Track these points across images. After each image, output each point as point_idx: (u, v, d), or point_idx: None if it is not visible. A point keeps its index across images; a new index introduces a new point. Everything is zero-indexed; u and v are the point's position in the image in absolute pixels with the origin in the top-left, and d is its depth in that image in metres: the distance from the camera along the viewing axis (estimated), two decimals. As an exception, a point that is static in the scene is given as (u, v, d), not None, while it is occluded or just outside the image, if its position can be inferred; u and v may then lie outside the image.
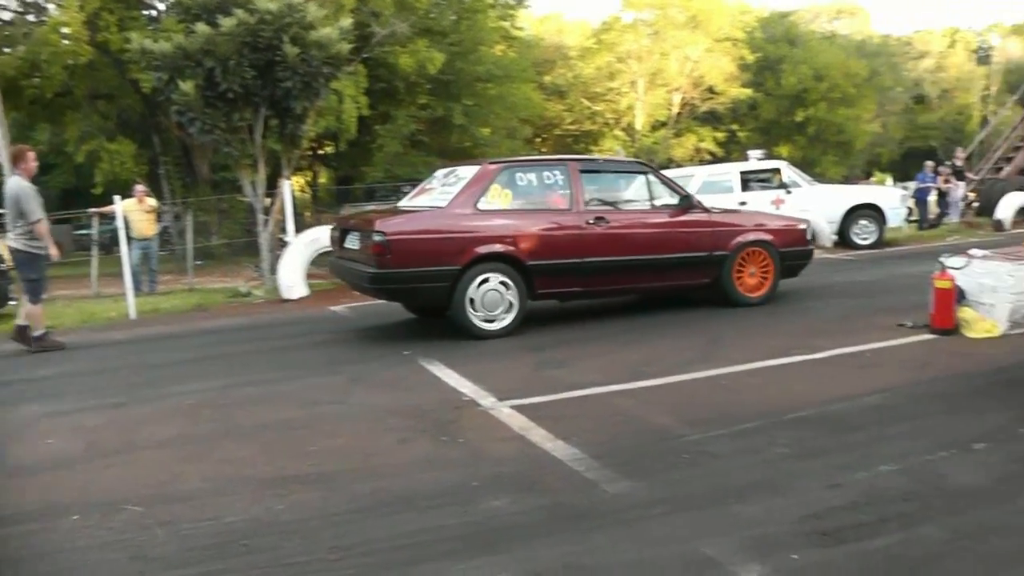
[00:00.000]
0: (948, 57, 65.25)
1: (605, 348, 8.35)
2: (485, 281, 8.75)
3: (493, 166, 9.23)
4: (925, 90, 60.42)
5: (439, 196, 9.31)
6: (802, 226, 10.70)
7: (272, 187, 15.21)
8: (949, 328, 8.12)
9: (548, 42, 46.24)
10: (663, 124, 44.22)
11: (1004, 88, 57.98)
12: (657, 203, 9.82)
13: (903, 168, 43.61)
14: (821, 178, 28.31)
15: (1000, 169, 24.87)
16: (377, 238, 8.44)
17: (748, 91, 43.69)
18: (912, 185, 23.59)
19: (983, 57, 66.36)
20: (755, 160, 18.85)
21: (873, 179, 40.44)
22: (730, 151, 41.05)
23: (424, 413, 6.22)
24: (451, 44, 27.84)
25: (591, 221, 9.20)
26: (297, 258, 13.59)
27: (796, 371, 7.11)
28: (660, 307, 10.29)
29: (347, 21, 14.90)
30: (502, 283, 8.82)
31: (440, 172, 10.22)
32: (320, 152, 32.89)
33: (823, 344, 7.86)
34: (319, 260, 13.79)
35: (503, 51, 32.56)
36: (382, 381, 7.40)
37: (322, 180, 35.92)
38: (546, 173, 9.35)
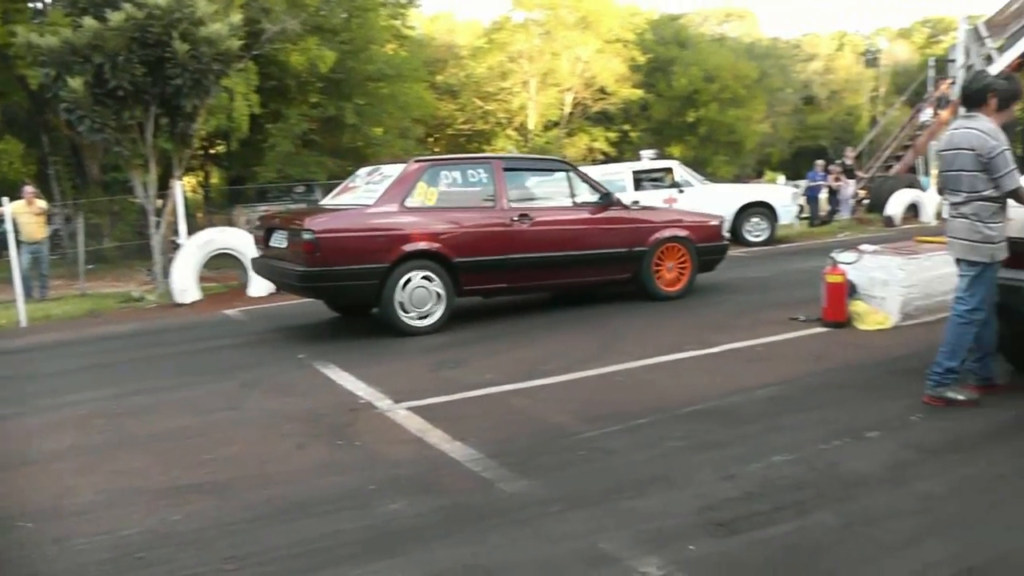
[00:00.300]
0: (836, 60, 67.35)
1: (502, 347, 8.38)
2: (413, 278, 8.90)
3: (419, 164, 9.41)
4: (814, 91, 62.22)
5: (364, 194, 9.43)
6: (717, 222, 11.13)
7: (164, 188, 14.90)
8: (841, 321, 8.36)
9: (439, 41, 46.14)
10: (556, 124, 44.54)
11: (892, 90, 60.13)
12: (578, 200, 10.11)
13: (794, 167, 44.81)
14: (713, 177, 28.88)
15: (890, 167, 25.76)
16: (307, 236, 8.50)
17: (639, 92, 44.32)
18: (803, 183, 24.30)
19: (871, 60, 68.67)
20: (647, 160, 19.17)
21: (764, 178, 41.46)
22: (623, 151, 41.55)
23: (320, 417, 6.16)
24: (342, 42, 27.62)
25: (515, 218, 9.44)
26: (190, 261, 13.31)
27: (691, 366, 7.24)
28: (557, 305, 10.38)
29: (237, 17, 14.67)
30: (429, 280, 8.97)
31: (363, 170, 10.38)
32: (212, 152, 32.28)
33: (717, 339, 8.02)
34: (212, 263, 13.60)
35: (394, 50, 32.39)
36: (277, 386, 7.30)
37: (214, 180, 35.22)
38: (471, 171, 9.57)
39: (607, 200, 10.17)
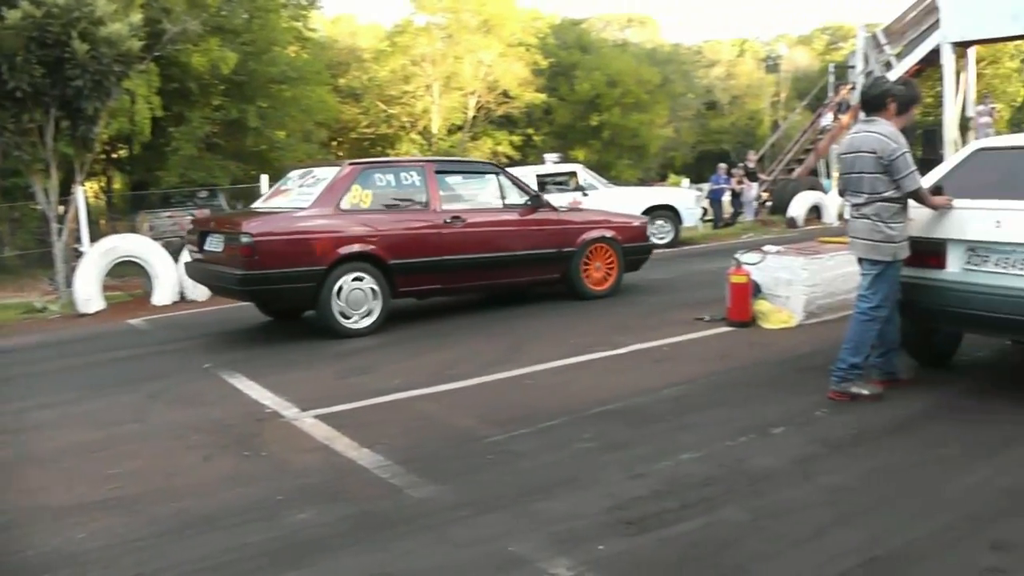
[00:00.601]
0: (737, 65, 68.74)
1: (408, 352, 8.33)
2: (350, 280, 8.97)
3: (353, 167, 9.56)
4: (716, 96, 63.40)
5: (299, 197, 9.51)
6: (642, 223, 11.59)
7: (66, 194, 14.42)
8: (746, 321, 8.51)
9: (342, 44, 45.75)
10: (459, 128, 44.57)
11: (793, 95, 61.52)
12: (508, 202, 10.35)
13: (697, 170, 45.51)
14: (617, 181, 29.18)
15: (792, 170, 26.34)
16: (244, 239, 8.54)
17: (542, 96, 44.60)
18: (706, 186, 24.72)
19: (771, 66, 70.26)
20: (551, 163, 19.28)
21: (668, 181, 42.06)
22: (527, 155, 41.75)
23: (226, 428, 6.06)
24: (244, 44, 27.23)
25: (448, 220, 9.60)
26: (93, 269, 12.90)
27: (598, 367, 7.30)
28: (464, 309, 10.38)
29: (137, 17, 14.32)
30: (364, 281, 9.05)
31: (295, 173, 10.45)
32: (114, 156, 31.42)
33: (624, 340, 8.10)
34: (116, 271, 13.22)
35: (296, 52, 32.06)
36: (183, 397, 7.14)
37: (117, 186, 34.25)
38: (403, 174, 9.73)
39: (536, 202, 10.42)
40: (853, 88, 25.45)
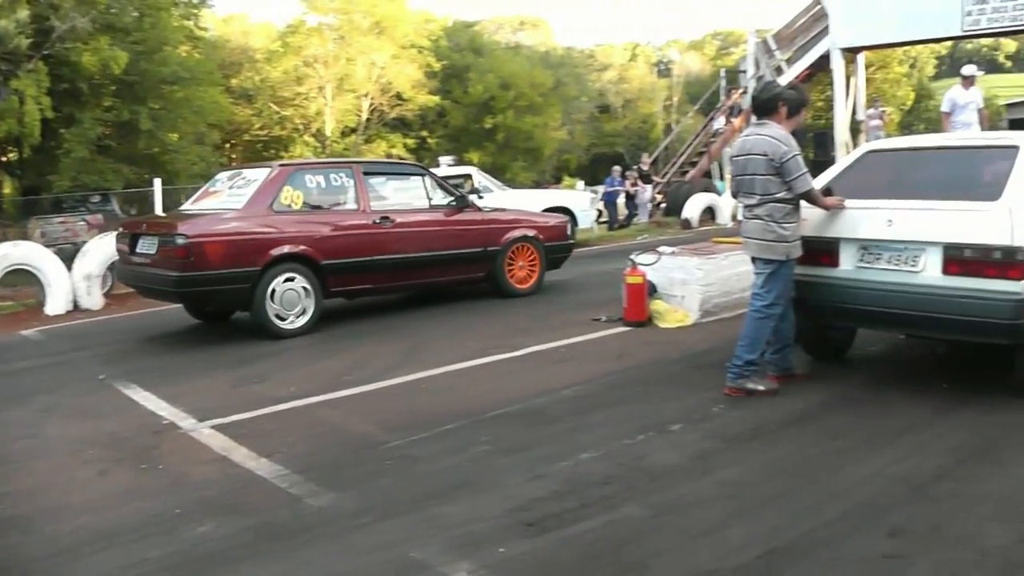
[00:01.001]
0: (630, 69, 69.83)
1: (305, 358, 8.23)
2: (283, 281, 9.05)
3: (284, 168, 9.76)
4: (610, 100, 64.25)
5: (230, 199, 9.57)
6: (563, 222, 11.97)
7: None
8: (642, 320, 8.62)
9: (234, 44, 45.08)
10: (353, 130, 44.33)
11: (685, 99, 62.76)
12: (434, 203, 10.52)
13: (592, 173, 45.98)
14: (512, 183, 29.35)
15: (686, 173, 26.80)
16: (180, 241, 8.60)
17: (436, 99, 44.64)
18: (601, 189, 24.97)
19: (663, 70, 71.34)
20: (446, 166, 19.23)
21: (563, 184, 42.46)
22: (421, 157, 41.60)
23: (123, 441, 5.88)
24: (135, 43, 26.59)
25: (377, 221, 9.76)
26: (-19, 278, 12.40)
27: (497, 369, 7.32)
28: (361, 313, 10.30)
29: (24, 13, 13.86)
30: (297, 282, 9.15)
31: (224, 175, 10.56)
32: (3, 160, 30.39)
33: (522, 342, 8.12)
34: (7, 279, 12.63)
35: (188, 52, 31.47)
36: (78, 410, 6.89)
37: (7, 191, 33.09)
38: (333, 175, 9.90)
39: (462, 202, 10.72)
40: (744, 92, 26.02)
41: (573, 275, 12.15)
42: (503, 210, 11.86)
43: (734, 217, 20.10)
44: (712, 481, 4.53)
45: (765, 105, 6.02)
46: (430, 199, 10.52)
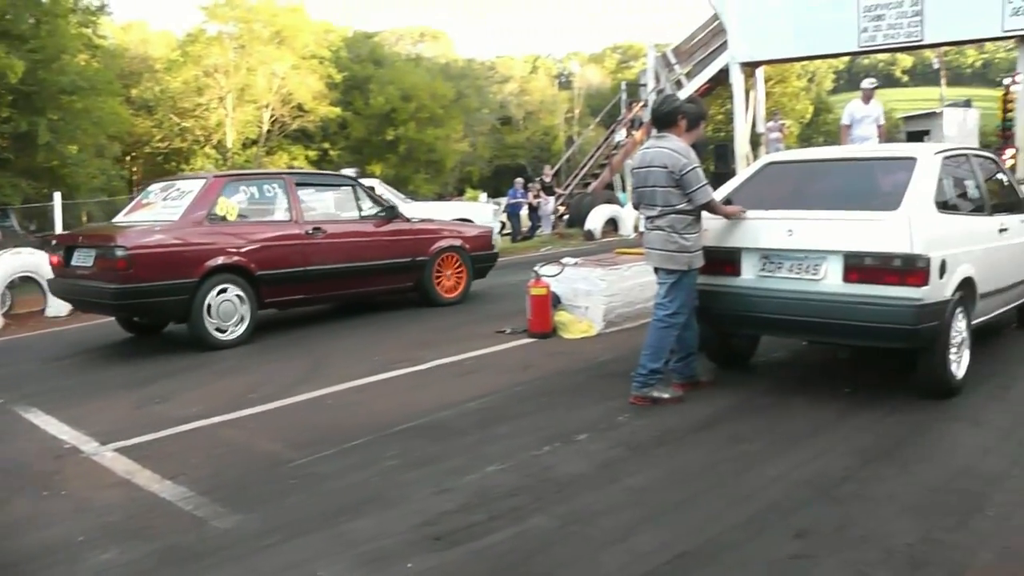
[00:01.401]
0: (531, 82, 70.43)
1: (208, 377, 8.06)
2: (219, 292, 9.11)
3: (218, 179, 9.87)
4: (511, 112, 64.75)
5: (165, 210, 9.60)
6: (487, 232, 12.45)
7: None
8: (547, 332, 8.68)
9: (133, 52, 44.29)
10: (254, 142, 43.86)
11: (586, 111, 63.48)
12: (364, 213, 10.77)
13: (494, 185, 46.23)
14: (415, 195, 29.34)
15: (588, 184, 27.05)
16: (120, 252, 8.64)
17: (337, 110, 44.47)
18: (504, 201, 25.07)
19: (564, 82, 71.94)
20: (349, 178, 19.12)
21: (466, 196, 42.54)
22: (323, 169, 41.46)
23: (23, 467, 5.69)
24: (31, 51, 25.79)
25: (310, 231, 9.90)
26: None
27: (402, 383, 7.29)
28: (264, 330, 10.10)
29: None
30: (232, 292, 9.21)
31: (156, 186, 10.57)
32: None
33: (427, 355, 8.10)
34: None
35: (87, 61, 30.67)
36: None
37: None
38: (266, 186, 10.05)
39: (391, 213, 10.91)
40: (645, 105, 26.39)
41: (477, 287, 12.15)
42: (430, 220, 12.14)
43: (636, 228, 20.32)
44: (619, 489, 4.58)
45: (665, 118, 6.14)
46: (360, 210, 10.77)
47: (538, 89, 68.65)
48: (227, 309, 9.18)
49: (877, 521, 4.04)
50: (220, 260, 9.13)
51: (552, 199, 24.59)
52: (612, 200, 24.15)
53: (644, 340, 6.16)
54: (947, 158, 6.45)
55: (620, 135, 27.38)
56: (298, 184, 10.26)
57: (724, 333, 6.80)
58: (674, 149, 5.96)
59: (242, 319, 9.32)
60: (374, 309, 10.99)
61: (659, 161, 5.97)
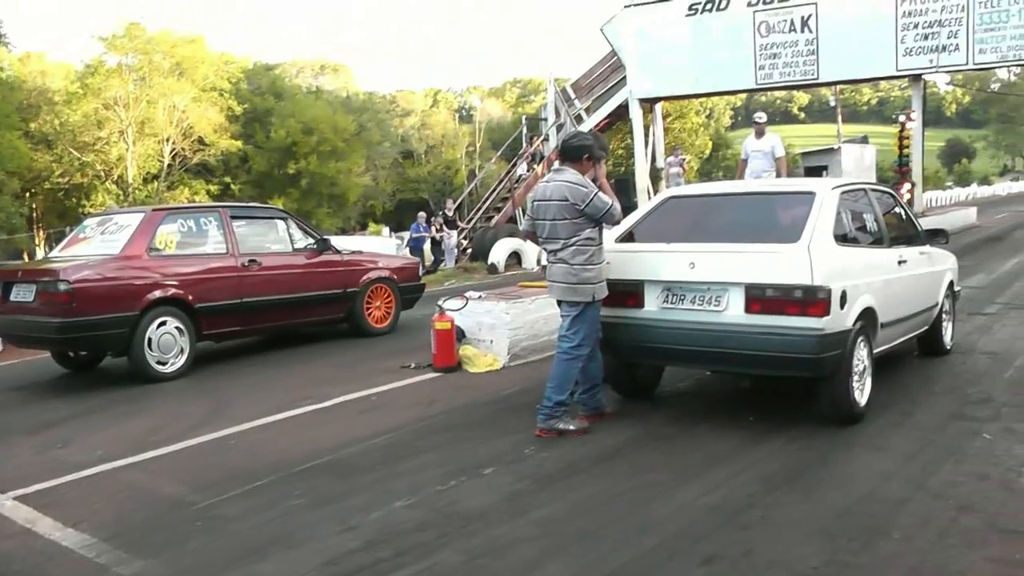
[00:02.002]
0: (432, 115, 70.67)
1: (111, 420, 7.85)
2: (159, 325, 9.27)
3: (157, 212, 10.09)
4: (413, 146, 64.84)
5: (104, 244, 9.72)
6: (415, 264, 13.15)
7: None
8: (452, 366, 8.68)
9: (31, 84, 43.18)
10: (155, 176, 43.11)
11: (488, 145, 63.91)
12: (297, 246, 11.02)
13: (397, 219, 46.35)
14: (318, 230, 29.15)
15: (491, 218, 27.22)
16: (62, 287, 8.77)
17: (238, 143, 44.06)
18: (407, 235, 25.03)
19: (465, 116, 72.33)
20: (251, 213, 18.92)
21: (369, 230, 42.42)
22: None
23: None
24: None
25: (246, 264, 10.15)
26: None
27: (306, 421, 7.22)
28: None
29: None
30: (172, 325, 9.39)
31: (92, 220, 10.77)
32: None
33: (331, 392, 8.05)
34: None
35: (-18, 94, 29.93)
36: None
37: None
38: (203, 219, 10.26)
39: (323, 245, 11.17)
40: (546, 140, 26.69)
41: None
42: (360, 252, 12.49)
43: (539, 261, 20.45)
44: (526, 522, 4.59)
45: (572, 153, 6.23)
46: (293, 242, 10.99)
47: (439, 123, 68.91)
48: (167, 341, 9.32)
49: (783, 546, 4.12)
50: (160, 293, 9.32)
51: (455, 233, 24.67)
52: (515, 233, 24.27)
53: (549, 372, 6.22)
54: (845, 192, 6.65)
55: (522, 169, 27.64)
56: (233, 216, 10.45)
57: (629, 364, 6.88)
58: (572, 182, 6.06)
59: (181, 351, 9.45)
60: (278, 346, 10.94)
61: (559, 195, 6.06)
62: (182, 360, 9.45)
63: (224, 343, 10.87)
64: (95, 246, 9.81)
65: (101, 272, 9.12)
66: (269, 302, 10.30)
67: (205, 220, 10.22)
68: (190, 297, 9.52)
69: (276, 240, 11.00)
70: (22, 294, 9.37)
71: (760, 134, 14.73)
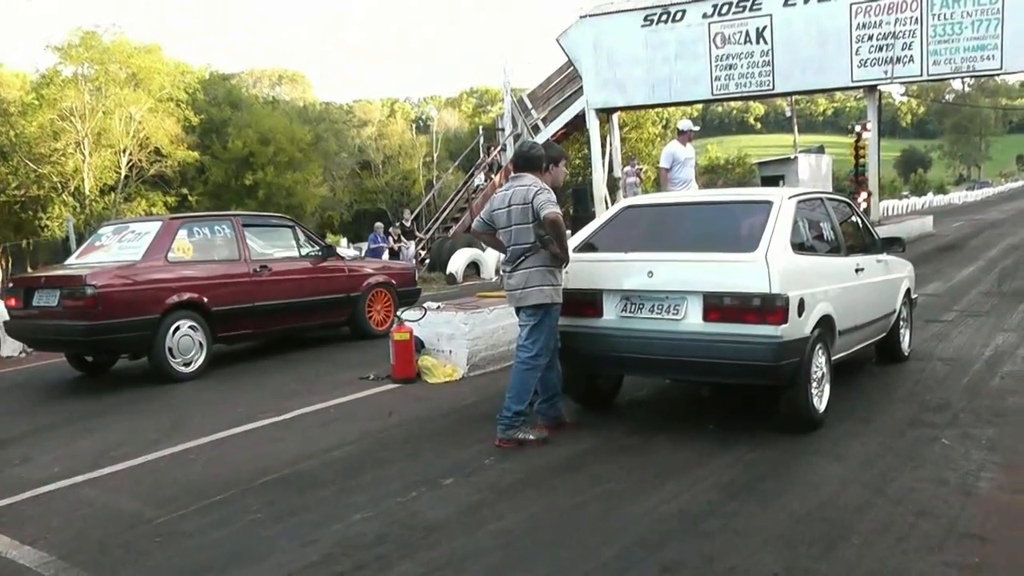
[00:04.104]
0: (389, 126, 70.54)
1: (68, 436, 7.74)
2: (178, 327, 9.76)
3: (174, 220, 10.63)
4: (370, 156, 64.69)
5: (124, 251, 10.17)
6: (411, 269, 13.97)
7: None
8: (410, 377, 8.67)
9: (-15, 95, 42.64)
10: (113, 188, 42.65)
11: (445, 155, 63.91)
12: (303, 252, 11.58)
13: (355, 230, 46.21)
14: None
15: (449, 228, 27.22)
16: (89, 291, 9.20)
17: (195, 154, 43.75)
18: (364, 245, 24.97)
19: (422, 126, 72.24)
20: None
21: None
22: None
23: None
24: None
25: (257, 269, 10.70)
26: None
27: (264, 435, 7.17)
28: (122, 385, 9.90)
29: None
30: (192, 328, 9.89)
31: (108, 229, 11.23)
32: None
33: (290, 405, 8.02)
34: None
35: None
36: None
37: None
38: (217, 227, 10.79)
39: (327, 252, 11.86)
40: (503, 150, 26.75)
41: (336, 333, 12.14)
42: (362, 259, 13.35)
43: (498, 271, 20.51)
44: (486, 533, 4.58)
45: (527, 163, 6.26)
46: (299, 249, 11.53)
47: (396, 133, 68.79)
48: (186, 343, 9.80)
49: (744, 553, 4.14)
50: (179, 297, 9.78)
51: (413, 244, 24.64)
52: (473, 243, 24.29)
53: (508, 383, 6.22)
54: (802, 201, 6.72)
55: (479, 179, 27.68)
56: (244, 225, 11.01)
57: (588, 374, 6.90)
58: (531, 184, 6.10)
59: (199, 353, 9.95)
60: (237, 360, 10.90)
61: (519, 199, 6.10)
62: (199, 361, 9.94)
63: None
64: (114, 253, 10.25)
65: (124, 277, 9.56)
66: (279, 306, 10.82)
67: (219, 228, 10.74)
68: (206, 301, 9.99)
69: (284, 247, 11.49)
70: (45, 299, 9.76)
71: (687, 141, 14.10)
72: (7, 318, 11.03)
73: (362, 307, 11.91)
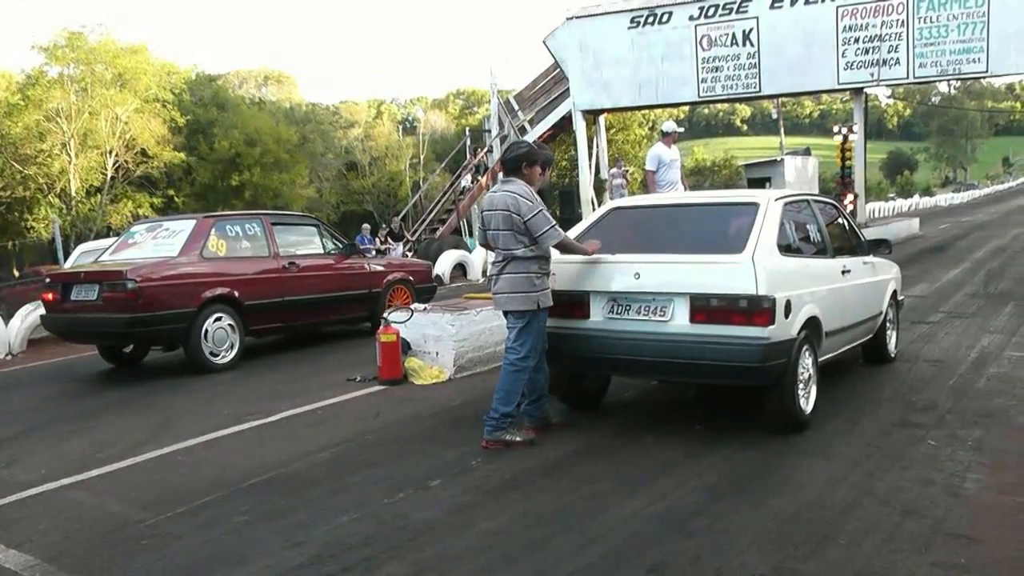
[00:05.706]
0: (376, 127, 70.37)
1: (55, 437, 7.71)
2: (214, 320, 10.25)
3: (209, 219, 11.14)
4: (357, 157, 64.53)
5: (159, 247, 10.65)
6: (429, 267, 14.44)
7: None
8: (397, 378, 8.68)
9: (-29, 96, 42.34)
10: (99, 189, 42.44)
11: (432, 156, 63.84)
12: (328, 249, 12.06)
13: (342, 231, 45.87)
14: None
15: (436, 230, 27.26)
16: (130, 285, 9.66)
17: (181, 155, 43.56)
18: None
19: (409, 128, 72.09)
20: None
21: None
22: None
23: None
24: None
25: (287, 265, 11.23)
26: None
27: (252, 437, 7.17)
28: (108, 387, 9.96)
29: None
30: (224, 321, 10.36)
31: (141, 227, 11.82)
32: None
33: (277, 407, 8.01)
34: None
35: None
36: None
37: None
38: (248, 225, 11.29)
39: (350, 249, 12.43)
40: (490, 151, 26.77)
41: (324, 334, 12.14)
42: (382, 257, 13.76)
43: (484, 272, 20.54)
44: (473, 534, 4.59)
45: (513, 164, 6.26)
46: (324, 246, 12.01)
47: (383, 134, 68.65)
48: (220, 336, 10.31)
49: (731, 553, 4.16)
50: (214, 292, 10.29)
51: (400, 245, 24.64)
52: (460, 245, 24.37)
53: (495, 384, 6.23)
54: (788, 204, 6.74)
55: (466, 180, 27.73)
56: (273, 223, 11.54)
57: (575, 375, 6.92)
58: (518, 193, 6.08)
59: (232, 345, 10.46)
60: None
61: (503, 205, 6.10)
62: (233, 353, 10.45)
63: (171, 359, 10.89)
64: (149, 249, 10.70)
65: (163, 272, 10.04)
66: (306, 300, 11.33)
67: (249, 226, 11.24)
68: (239, 295, 10.49)
69: (310, 244, 11.96)
70: (84, 293, 10.16)
71: (672, 143, 13.94)
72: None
73: (383, 303, 12.18)
